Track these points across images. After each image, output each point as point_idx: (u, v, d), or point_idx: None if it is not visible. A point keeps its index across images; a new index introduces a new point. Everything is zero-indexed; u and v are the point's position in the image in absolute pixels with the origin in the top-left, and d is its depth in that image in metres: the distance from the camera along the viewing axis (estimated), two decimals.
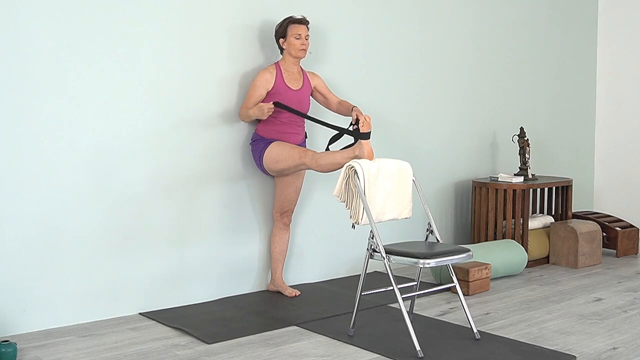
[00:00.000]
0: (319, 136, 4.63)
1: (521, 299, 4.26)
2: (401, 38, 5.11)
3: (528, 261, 5.16)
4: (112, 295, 3.82)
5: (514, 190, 5.15)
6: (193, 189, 4.10)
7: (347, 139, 4.45)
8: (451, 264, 3.81)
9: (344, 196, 3.44)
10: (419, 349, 3.18)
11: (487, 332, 3.58)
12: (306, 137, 4.34)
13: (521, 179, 5.30)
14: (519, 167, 5.55)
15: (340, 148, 4.05)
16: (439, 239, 3.59)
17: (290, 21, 4.15)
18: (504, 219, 5.23)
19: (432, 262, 3.22)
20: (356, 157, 3.65)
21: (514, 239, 5.12)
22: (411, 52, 5.18)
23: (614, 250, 5.73)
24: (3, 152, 3.46)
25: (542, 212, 5.69)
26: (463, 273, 4.35)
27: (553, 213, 5.66)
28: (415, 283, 3.68)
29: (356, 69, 4.85)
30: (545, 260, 5.32)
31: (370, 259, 3.63)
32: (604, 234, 5.64)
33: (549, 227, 5.43)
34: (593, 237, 5.24)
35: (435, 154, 5.39)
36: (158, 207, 3.97)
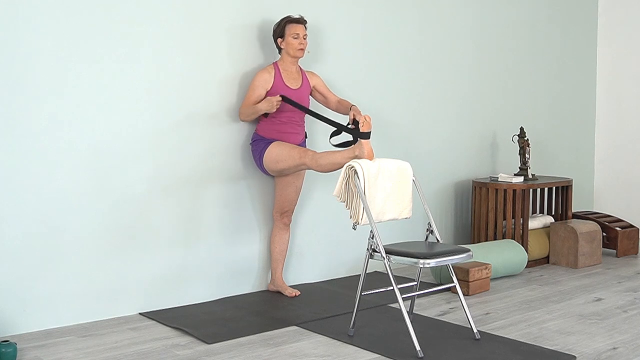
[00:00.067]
0: (319, 136, 4.63)
1: (521, 299, 4.26)
2: (401, 38, 5.11)
3: (528, 261, 5.16)
4: (112, 295, 3.82)
5: (514, 190, 5.15)
6: (193, 189, 4.10)
7: (349, 136, 4.46)
8: (451, 264, 3.81)
9: (344, 196, 3.44)
10: (419, 349, 3.18)
11: (487, 332, 3.58)
12: (306, 137, 4.34)
13: (521, 179, 5.30)
14: (519, 167, 5.55)
15: (339, 144, 4.04)
16: (439, 239, 3.59)
17: (287, 21, 4.15)
18: (504, 219, 5.23)
19: (432, 262, 3.22)
20: (356, 157, 3.65)
21: (514, 239, 5.12)
22: (411, 52, 5.18)
23: (614, 250, 5.73)
24: (3, 152, 3.46)
25: (542, 212, 5.69)
26: (463, 273, 4.35)
27: (553, 213, 5.66)
28: (415, 283, 3.68)
29: (356, 68, 4.85)
30: (545, 260, 5.32)
31: (370, 259, 3.63)
32: (604, 234, 5.64)
33: (549, 227, 5.43)
34: (593, 237, 5.24)
35: (435, 154, 5.38)
36: (158, 207, 3.97)
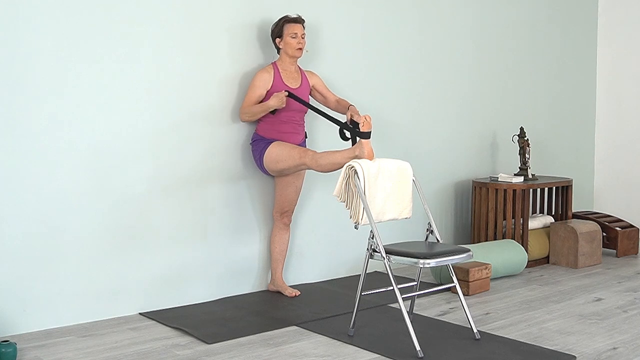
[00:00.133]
0: (319, 136, 4.63)
1: (521, 299, 4.26)
2: (401, 38, 5.11)
3: (528, 261, 5.16)
4: (112, 295, 3.82)
5: (514, 190, 5.15)
6: (193, 189, 4.10)
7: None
8: (451, 264, 3.81)
9: (344, 196, 3.44)
10: (419, 349, 3.18)
11: (487, 332, 3.58)
12: (306, 137, 4.34)
13: (521, 179, 5.30)
14: (519, 167, 5.55)
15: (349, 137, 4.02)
16: (439, 239, 3.59)
17: (285, 20, 4.15)
18: (504, 219, 5.23)
19: (432, 262, 3.22)
20: (356, 157, 3.65)
21: (514, 239, 5.12)
22: (411, 52, 5.18)
23: (614, 250, 5.73)
24: (3, 152, 3.46)
25: (542, 212, 5.69)
26: (463, 273, 4.35)
27: (553, 213, 5.66)
28: (415, 283, 3.68)
29: (356, 68, 4.85)
30: (545, 260, 5.32)
31: (370, 259, 3.63)
32: (604, 234, 5.64)
33: (549, 227, 5.43)
34: (593, 237, 5.24)
35: (435, 154, 5.38)
36: (158, 207, 3.97)
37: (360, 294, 3.46)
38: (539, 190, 5.71)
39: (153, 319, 3.80)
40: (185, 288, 4.09)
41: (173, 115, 4.00)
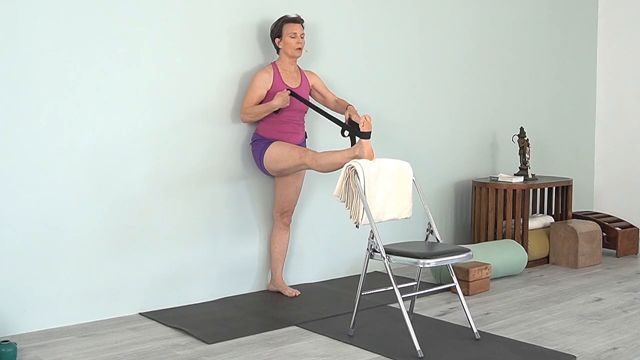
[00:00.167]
0: (319, 136, 4.63)
1: (521, 299, 4.26)
2: (401, 38, 5.11)
3: (528, 261, 5.16)
4: (112, 295, 3.82)
5: (514, 190, 5.15)
6: (193, 189, 4.10)
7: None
8: (451, 264, 3.81)
9: (344, 196, 3.44)
10: (419, 349, 3.18)
11: (487, 332, 3.58)
12: (306, 137, 4.34)
13: (521, 179, 5.30)
14: (519, 167, 5.55)
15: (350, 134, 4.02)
16: (439, 239, 3.59)
17: (284, 20, 4.15)
18: (504, 219, 5.23)
19: (432, 262, 3.22)
20: (356, 157, 3.65)
21: (514, 239, 5.12)
22: (411, 52, 5.18)
23: (614, 250, 5.73)
24: (3, 152, 3.46)
25: (542, 212, 5.69)
26: (463, 273, 4.35)
27: (553, 213, 5.66)
28: (415, 283, 3.68)
29: (356, 68, 4.85)
30: (545, 260, 5.32)
31: (370, 259, 3.63)
32: (604, 234, 5.64)
33: (549, 227, 5.43)
34: (593, 237, 5.24)
35: (435, 154, 5.38)
36: (158, 207, 3.97)
37: (360, 294, 3.46)
38: (539, 190, 5.71)
39: (153, 319, 3.80)
40: (185, 288, 4.09)
41: (173, 115, 4.00)
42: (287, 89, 4.08)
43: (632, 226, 5.74)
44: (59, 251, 3.64)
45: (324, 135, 4.65)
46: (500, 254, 4.73)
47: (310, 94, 4.35)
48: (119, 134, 3.81)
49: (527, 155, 5.51)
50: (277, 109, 4.05)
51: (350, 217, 3.41)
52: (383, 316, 3.86)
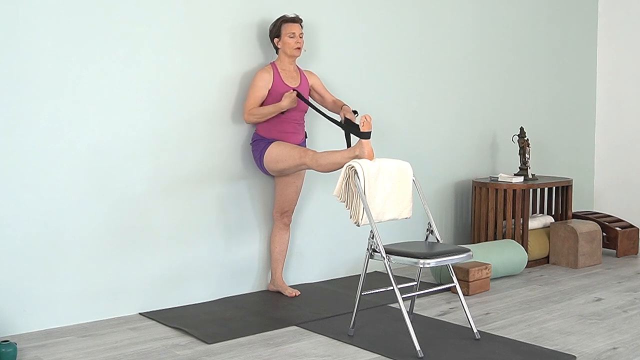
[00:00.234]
0: (319, 136, 4.63)
1: (521, 299, 4.26)
2: (401, 38, 5.11)
3: (528, 261, 5.16)
4: (112, 295, 3.82)
5: (514, 190, 5.15)
6: (193, 189, 4.10)
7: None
8: (451, 264, 3.81)
9: (344, 196, 3.44)
10: (419, 349, 3.18)
11: (487, 332, 3.58)
12: (306, 136, 4.34)
13: (521, 179, 5.30)
14: (519, 167, 5.55)
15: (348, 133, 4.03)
16: (439, 239, 3.59)
17: (283, 20, 4.16)
18: (504, 219, 5.23)
19: (432, 262, 3.22)
20: (356, 157, 3.65)
21: (514, 239, 5.12)
22: (411, 52, 5.18)
23: (614, 250, 5.73)
24: (3, 152, 3.46)
25: (542, 212, 5.69)
26: (463, 273, 4.35)
27: (553, 213, 5.66)
28: (415, 283, 3.68)
29: (356, 68, 4.85)
30: (545, 260, 5.32)
31: (370, 259, 3.63)
32: (604, 234, 5.64)
33: (549, 227, 5.43)
34: (593, 237, 5.24)
35: (435, 154, 5.38)
36: (158, 207, 3.97)
37: (360, 294, 3.46)
38: (539, 190, 5.71)
39: (153, 319, 3.80)
40: (185, 288, 4.09)
41: (173, 115, 4.00)
42: (294, 90, 4.08)
43: (632, 226, 5.74)
44: (59, 251, 3.64)
45: (324, 135, 4.65)
46: (500, 254, 4.73)
47: (309, 94, 4.35)
48: (119, 134, 3.81)
49: (527, 155, 5.51)
50: (285, 110, 4.05)
51: (350, 217, 3.41)
52: (383, 316, 3.86)
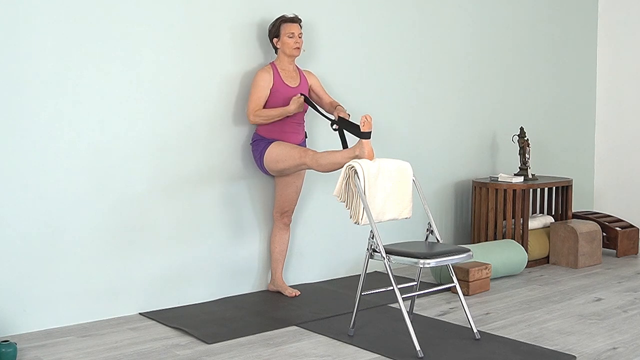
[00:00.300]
0: (319, 136, 4.63)
1: (521, 299, 4.26)
2: (401, 38, 5.11)
3: (528, 261, 5.16)
4: (112, 295, 3.82)
5: (514, 190, 5.15)
6: (193, 189, 4.10)
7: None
8: (451, 264, 3.81)
9: (344, 196, 3.44)
10: (419, 349, 3.18)
11: (487, 332, 3.58)
12: (306, 136, 4.34)
13: (521, 179, 5.30)
14: (519, 167, 5.55)
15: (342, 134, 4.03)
16: (439, 239, 3.59)
17: (282, 20, 4.16)
18: (504, 219, 5.23)
19: (432, 262, 3.22)
20: (356, 157, 3.65)
21: (514, 239, 5.12)
22: (411, 52, 5.18)
23: (614, 250, 5.73)
24: (3, 152, 3.46)
25: (542, 212, 5.69)
26: (463, 273, 4.35)
27: (553, 213, 5.66)
28: (415, 283, 3.68)
29: (356, 68, 4.85)
30: (545, 260, 5.32)
31: (370, 259, 3.63)
32: (604, 234, 5.64)
33: (549, 227, 5.43)
34: (593, 237, 5.24)
35: (435, 154, 5.38)
36: (158, 207, 3.96)
37: (360, 294, 3.46)
38: (539, 190, 5.71)
39: (153, 319, 3.80)
40: (185, 288, 4.09)
41: (173, 116, 4.00)
42: (301, 94, 4.09)
43: (632, 226, 5.74)
44: (59, 251, 3.64)
45: (324, 135, 4.65)
46: (500, 254, 4.73)
47: (308, 94, 4.35)
48: (119, 134, 3.81)
49: (527, 155, 5.51)
50: (292, 114, 4.06)
51: (350, 217, 3.41)
52: (383, 316, 3.86)
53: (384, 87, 5.02)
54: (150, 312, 3.92)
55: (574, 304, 4.15)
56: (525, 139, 5.53)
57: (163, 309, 3.98)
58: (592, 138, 6.75)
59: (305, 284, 4.59)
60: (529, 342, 3.42)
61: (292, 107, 4.03)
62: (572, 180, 5.59)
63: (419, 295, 4.18)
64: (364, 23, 4.88)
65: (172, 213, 4.02)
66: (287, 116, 4.13)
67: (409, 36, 5.16)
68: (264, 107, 4.14)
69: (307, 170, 4.24)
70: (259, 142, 4.16)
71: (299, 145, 4.19)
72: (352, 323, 3.52)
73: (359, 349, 3.33)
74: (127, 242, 3.86)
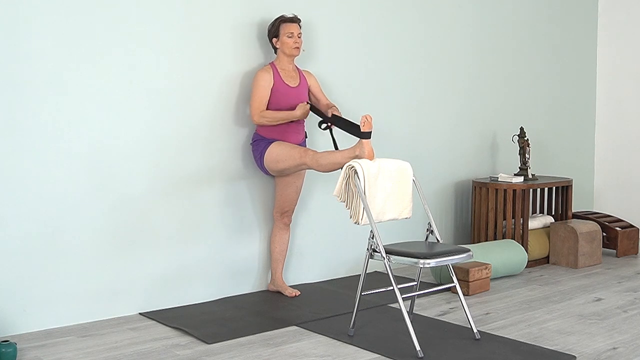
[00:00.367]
0: (319, 136, 4.63)
1: (521, 299, 4.26)
2: (401, 38, 5.11)
3: (528, 261, 5.16)
4: (112, 295, 3.82)
5: (514, 190, 5.15)
6: (193, 189, 4.10)
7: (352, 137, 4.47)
8: (451, 264, 3.81)
9: (344, 196, 3.44)
10: (419, 349, 3.18)
11: (487, 332, 3.58)
12: (306, 136, 4.34)
13: (521, 179, 5.30)
14: (519, 167, 5.55)
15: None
16: (439, 239, 3.59)
17: (281, 20, 4.16)
18: (504, 219, 5.23)
19: (432, 262, 3.22)
20: (356, 157, 3.65)
21: (514, 239, 5.12)
22: (411, 52, 5.18)
23: (614, 250, 5.73)
24: (3, 152, 3.46)
25: (542, 212, 5.69)
26: (463, 273, 4.35)
27: (553, 213, 5.66)
28: (415, 283, 3.68)
29: (356, 68, 4.85)
30: (545, 260, 5.32)
31: (370, 259, 3.62)
32: (604, 234, 5.64)
33: (549, 227, 5.43)
34: (593, 237, 5.24)
35: (435, 154, 5.38)
36: (158, 207, 3.96)
37: (360, 294, 3.46)
38: (539, 190, 5.71)
39: (153, 319, 3.80)
40: (185, 288, 4.09)
41: (173, 115, 4.00)
42: (308, 103, 4.11)
43: (632, 226, 5.74)
44: (59, 251, 3.64)
45: (324, 135, 4.64)
46: (500, 254, 4.73)
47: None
48: (119, 134, 3.81)
49: (527, 155, 5.51)
50: (297, 119, 4.08)
51: (350, 217, 3.41)
52: (383, 316, 3.85)
53: (384, 87, 5.02)
54: (150, 312, 3.92)
55: (574, 304, 4.15)
56: (525, 139, 5.53)
57: (163, 309, 3.98)
58: (592, 138, 6.75)
59: (305, 284, 4.59)
60: (529, 342, 3.42)
61: (298, 112, 4.06)
62: (572, 180, 5.59)
63: (419, 295, 4.18)
64: (364, 23, 4.88)
65: (172, 213, 4.02)
66: None
67: (409, 36, 5.16)
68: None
69: (307, 170, 4.24)
70: (259, 142, 4.16)
71: (299, 145, 4.19)
72: (352, 323, 3.52)
73: (359, 349, 3.33)
74: (127, 242, 3.86)
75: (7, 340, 3.11)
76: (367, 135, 3.66)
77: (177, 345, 3.37)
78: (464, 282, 4.34)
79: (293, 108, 4.15)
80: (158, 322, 3.76)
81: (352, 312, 3.69)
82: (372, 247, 3.37)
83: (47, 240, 3.60)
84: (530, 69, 6.10)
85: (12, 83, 3.47)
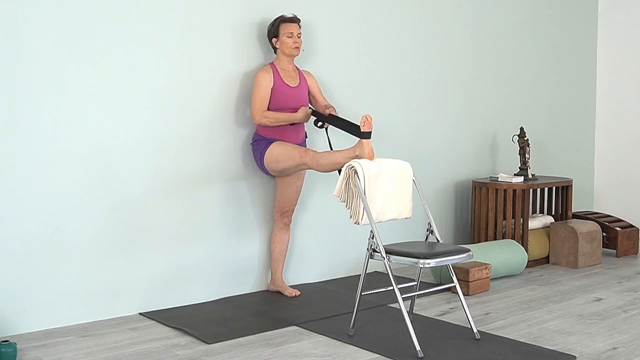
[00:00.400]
0: (319, 136, 4.63)
1: (521, 299, 4.26)
2: (401, 38, 5.11)
3: (528, 261, 5.16)
4: (112, 295, 3.82)
5: (514, 190, 5.15)
6: (193, 189, 4.10)
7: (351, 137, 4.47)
8: (451, 264, 3.81)
9: (344, 196, 3.44)
10: (419, 349, 3.18)
11: (487, 332, 3.58)
12: (306, 136, 4.34)
13: (521, 179, 5.30)
14: (519, 167, 5.55)
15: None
16: (439, 239, 3.59)
17: (281, 20, 4.16)
18: (504, 219, 5.23)
19: (432, 262, 3.22)
20: (357, 156, 3.65)
21: (514, 239, 5.12)
22: (411, 52, 5.18)
23: (614, 250, 5.73)
24: (3, 152, 3.46)
25: (542, 212, 5.69)
26: (463, 273, 4.35)
27: (553, 213, 5.66)
28: (415, 283, 3.68)
29: (356, 68, 4.85)
30: (545, 260, 5.32)
31: (370, 259, 3.63)
32: (604, 234, 5.64)
33: (549, 227, 5.43)
34: (593, 237, 5.24)
35: (435, 154, 5.38)
36: (158, 207, 3.96)
37: (360, 294, 3.46)
38: (539, 190, 5.71)
39: (153, 319, 3.80)
40: (185, 288, 4.09)
41: (173, 115, 4.00)
42: (310, 107, 4.14)
43: (632, 226, 5.74)
44: (59, 251, 3.64)
45: (324, 135, 4.64)
46: (500, 254, 4.73)
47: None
48: (119, 134, 3.81)
49: (527, 155, 5.51)
50: (298, 122, 4.09)
51: (350, 217, 3.41)
52: (383, 316, 3.86)
53: (384, 87, 5.02)
54: (150, 312, 3.92)
55: (574, 304, 4.15)
56: (525, 139, 5.53)
57: (163, 309, 3.98)
58: (592, 138, 6.75)
59: (305, 284, 4.59)
60: (529, 342, 3.42)
61: (300, 115, 4.07)
62: (572, 180, 5.59)
63: (419, 295, 4.18)
64: (364, 23, 4.88)
65: (172, 213, 4.02)
66: None
67: (409, 36, 5.16)
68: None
69: (307, 170, 4.24)
70: (259, 142, 4.16)
71: (299, 145, 4.19)
72: (352, 323, 3.52)
73: (359, 349, 3.33)
74: (127, 242, 3.86)
75: (7, 340, 3.11)
76: (367, 135, 3.66)
77: (177, 345, 3.37)
78: (464, 282, 4.34)
79: (293, 108, 4.15)
80: (158, 322, 3.76)
81: (352, 312, 3.69)
82: (372, 247, 3.37)
83: (47, 240, 3.60)
84: (530, 69, 6.10)
85: (12, 83, 3.47)
